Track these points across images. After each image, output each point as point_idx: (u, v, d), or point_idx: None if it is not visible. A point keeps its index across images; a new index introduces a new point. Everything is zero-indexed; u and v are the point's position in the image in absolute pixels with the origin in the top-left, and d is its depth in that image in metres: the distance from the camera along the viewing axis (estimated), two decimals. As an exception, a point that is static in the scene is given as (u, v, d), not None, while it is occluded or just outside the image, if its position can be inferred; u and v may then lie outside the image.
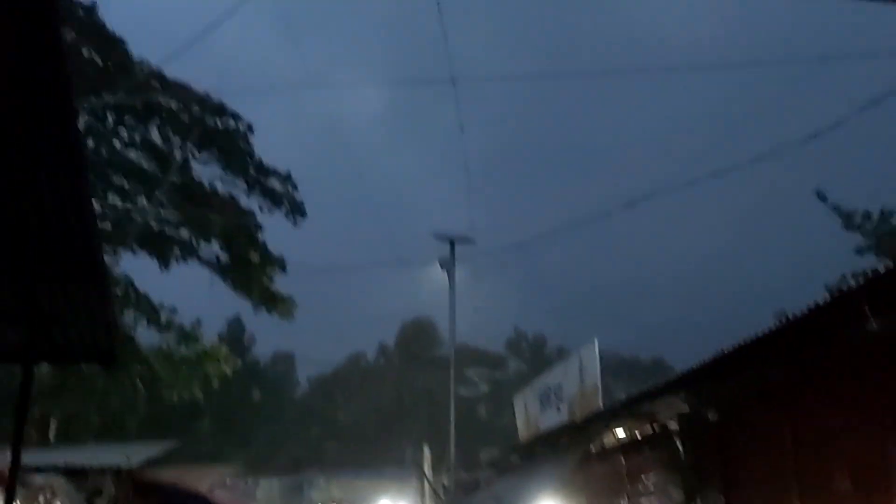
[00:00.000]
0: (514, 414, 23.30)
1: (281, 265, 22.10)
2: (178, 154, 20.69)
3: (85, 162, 4.99)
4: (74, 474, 13.69)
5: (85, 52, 18.75)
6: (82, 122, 19.73)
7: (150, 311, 20.54)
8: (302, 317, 23.30)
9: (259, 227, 21.78)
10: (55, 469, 13.62)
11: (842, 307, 6.52)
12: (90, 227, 5.48)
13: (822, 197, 21.50)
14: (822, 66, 12.69)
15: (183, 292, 22.80)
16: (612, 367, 51.36)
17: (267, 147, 22.31)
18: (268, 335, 52.64)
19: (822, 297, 6.85)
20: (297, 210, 22.14)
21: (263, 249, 21.70)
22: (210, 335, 25.06)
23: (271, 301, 21.93)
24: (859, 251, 20.61)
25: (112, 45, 19.34)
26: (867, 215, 20.72)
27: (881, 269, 6.33)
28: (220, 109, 21.08)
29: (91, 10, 19.45)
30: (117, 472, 13.82)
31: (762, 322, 7.66)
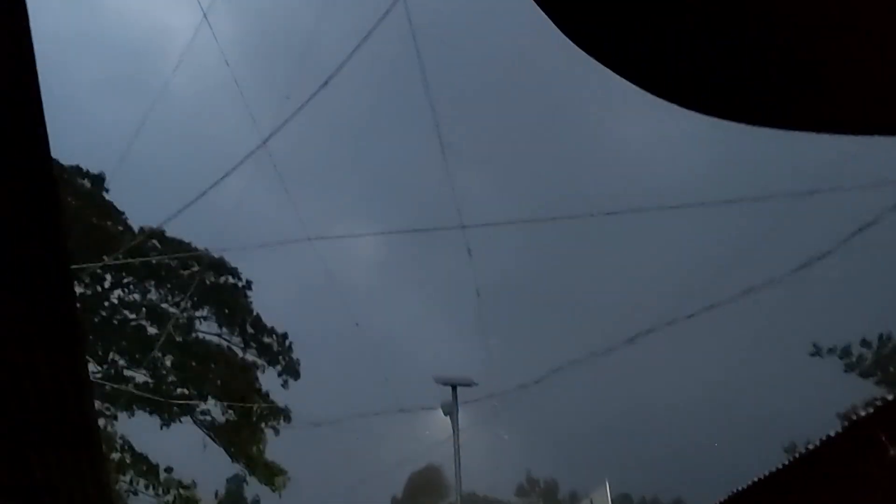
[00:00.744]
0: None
1: (286, 416, 21.73)
2: (176, 311, 20.84)
3: (79, 326, 5.00)
4: None
5: (86, 218, 19.30)
6: (82, 285, 20.02)
7: (147, 473, 19.94)
8: (305, 473, 22.70)
9: (257, 381, 21.61)
10: None
11: (856, 437, 6.36)
12: (84, 392, 5.42)
13: (817, 351, 21.86)
14: (809, 198, 13.06)
15: (181, 450, 22.27)
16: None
17: (266, 299, 22.56)
18: (271, 495, 50.73)
19: (833, 426, 6.71)
20: (290, 371, 22.12)
21: (266, 399, 21.41)
22: (208, 494, 24.19)
23: (264, 469, 21.39)
24: (863, 375, 20.61)
25: (112, 214, 19.97)
26: (866, 343, 20.88)
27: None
28: (220, 266, 21.43)
29: (97, 179, 20.19)
30: None
31: (775, 455, 7.47)
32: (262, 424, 21.46)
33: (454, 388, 21.50)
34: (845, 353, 21.28)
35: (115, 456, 18.98)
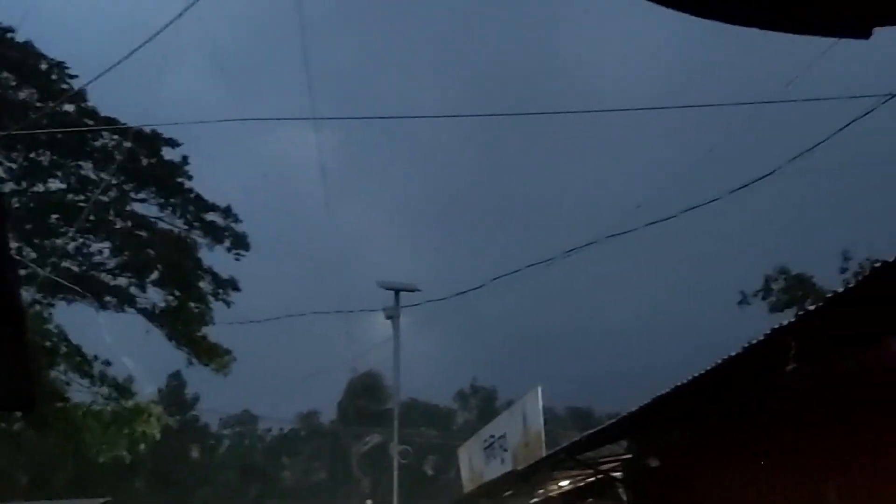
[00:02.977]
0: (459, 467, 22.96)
1: (233, 286, 21.49)
2: (112, 193, 20.22)
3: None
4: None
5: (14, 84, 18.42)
6: (15, 161, 19.26)
7: (82, 363, 19.69)
8: (250, 372, 22.71)
9: (198, 252, 21.21)
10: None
11: (771, 348, 6.60)
12: (6, 267, 5.27)
13: (744, 300, 22.58)
14: (764, 108, 13.17)
15: (122, 348, 22.10)
16: (565, 418, 51.37)
17: (202, 190, 21.89)
18: (213, 392, 51.35)
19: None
20: (240, 243, 21.53)
21: (210, 272, 21.14)
22: (149, 391, 24.18)
23: (206, 351, 21.12)
24: (775, 309, 21.26)
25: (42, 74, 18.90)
26: (785, 273, 21.56)
27: (809, 308, 6.45)
28: (154, 138, 20.44)
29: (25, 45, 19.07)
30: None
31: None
32: (208, 302, 21.14)
33: (397, 292, 21.71)
34: (767, 290, 22.07)
35: (49, 343, 18.71)
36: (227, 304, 21.40)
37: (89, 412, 19.67)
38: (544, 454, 14.57)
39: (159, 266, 20.49)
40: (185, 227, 21.09)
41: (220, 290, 21.30)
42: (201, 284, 21.24)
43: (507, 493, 16.71)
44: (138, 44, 11.20)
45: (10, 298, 5.76)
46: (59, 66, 19.11)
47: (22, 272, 17.56)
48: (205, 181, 21.94)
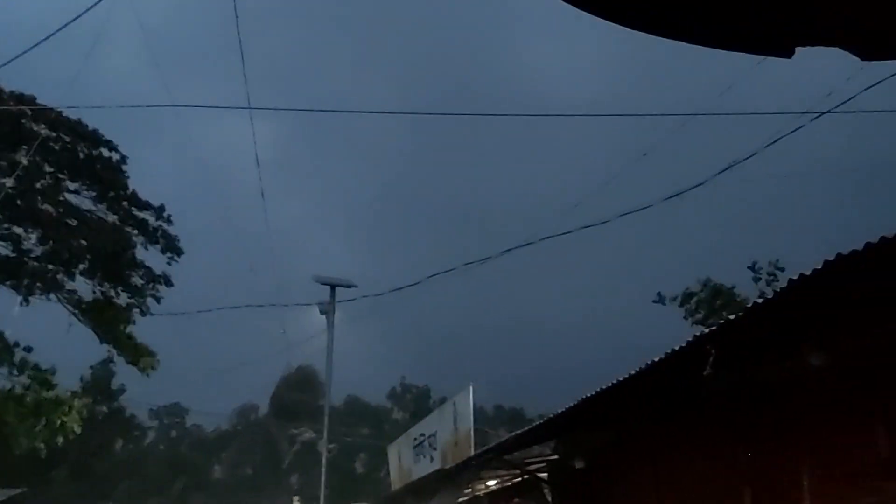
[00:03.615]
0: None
1: (166, 281, 21.07)
2: (46, 181, 19.60)
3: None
4: None
5: None
6: None
7: (1, 349, 18.91)
8: (182, 365, 22.20)
9: (133, 246, 20.74)
10: None
11: (692, 355, 6.75)
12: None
13: (660, 300, 23.17)
14: (694, 121, 13.52)
15: (46, 335, 21.31)
16: (494, 418, 51.78)
17: (138, 181, 21.43)
18: (142, 383, 50.17)
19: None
20: (172, 248, 21.20)
21: (142, 267, 20.68)
22: (73, 380, 23.41)
23: (131, 351, 20.61)
24: (697, 322, 21.85)
25: None
26: (706, 284, 22.18)
27: (729, 318, 6.61)
28: (95, 137, 20.11)
29: None
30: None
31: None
32: (137, 298, 20.69)
33: (333, 287, 21.47)
34: (686, 298, 22.67)
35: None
36: (157, 299, 21.05)
37: (11, 397, 18.93)
38: (473, 454, 14.67)
39: (90, 256, 19.93)
40: (119, 222, 20.65)
41: (152, 285, 20.90)
42: (133, 278, 20.77)
43: (434, 492, 16.75)
44: (69, 28, 10.79)
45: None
46: None
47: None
48: (135, 170, 21.46)
